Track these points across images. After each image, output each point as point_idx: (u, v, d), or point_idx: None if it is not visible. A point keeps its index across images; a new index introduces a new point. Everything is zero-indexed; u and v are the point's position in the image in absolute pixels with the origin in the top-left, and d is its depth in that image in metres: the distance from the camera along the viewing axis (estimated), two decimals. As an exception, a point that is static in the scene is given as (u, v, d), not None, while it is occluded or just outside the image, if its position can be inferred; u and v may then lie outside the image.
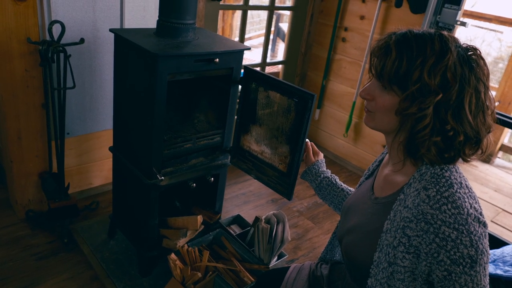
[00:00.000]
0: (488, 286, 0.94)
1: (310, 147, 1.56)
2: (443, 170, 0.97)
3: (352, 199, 1.25)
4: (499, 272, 1.85)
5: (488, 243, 0.93)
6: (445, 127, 0.94)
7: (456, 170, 0.99)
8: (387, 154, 1.16)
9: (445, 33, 0.97)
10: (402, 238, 0.96)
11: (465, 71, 0.93)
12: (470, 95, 0.93)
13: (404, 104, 0.95)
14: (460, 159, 1.00)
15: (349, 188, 1.45)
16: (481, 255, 0.90)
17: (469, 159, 1.00)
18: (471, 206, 0.93)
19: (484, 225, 0.93)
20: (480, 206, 0.96)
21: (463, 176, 1.00)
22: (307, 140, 1.55)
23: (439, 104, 0.93)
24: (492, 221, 3.01)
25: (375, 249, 1.04)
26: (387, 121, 1.02)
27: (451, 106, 0.93)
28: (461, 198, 0.93)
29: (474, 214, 0.92)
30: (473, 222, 0.91)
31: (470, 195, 0.95)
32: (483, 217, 0.94)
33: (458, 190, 0.94)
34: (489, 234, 2.57)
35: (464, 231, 0.89)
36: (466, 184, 0.97)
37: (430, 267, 0.93)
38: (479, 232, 0.91)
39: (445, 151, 0.96)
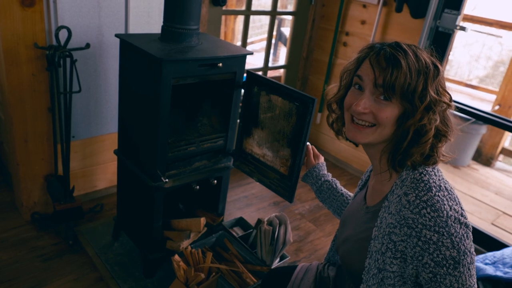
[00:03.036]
0: (475, 286, 0.95)
1: (311, 150, 1.58)
2: (422, 175, 0.99)
3: (348, 211, 1.27)
4: (499, 273, 1.86)
5: (471, 243, 0.94)
6: (446, 133, 0.99)
7: (435, 173, 1.00)
8: None
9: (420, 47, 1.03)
10: (389, 244, 0.98)
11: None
12: (445, 98, 1.01)
13: (417, 117, 0.96)
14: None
15: (349, 193, 1.47)
16: (464, 255, 0.91)
17: (444, 159, 1.03)
18: (450, 208, 0.94)
19: (466, 225, 0.94)
20: (461, 208, 0.96)
21: (443, 179, 1.01)
22: (308, 143, 1.58)
23: (440, 113, 0.99)
24: (492, 223, 3.02)
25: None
26: (386, 133, 1.02)
27: (443, 112, 1.00)
28: (440, 201, 0.94)
29: (454, 216, 0.93)
30: (453, 224, 0.92)
31: (449, 197, 0.96)
32: (464, 218, 0.95)
33: (437, 193, 0.95)
34: (490, 237, 2.58)
35: (445, 233, 0.91)
36: (445, 187, 0.98)
37: (416, 269, 0.95)
38: (460, 233, 0.92)
39: (431, 154, 1.00)
